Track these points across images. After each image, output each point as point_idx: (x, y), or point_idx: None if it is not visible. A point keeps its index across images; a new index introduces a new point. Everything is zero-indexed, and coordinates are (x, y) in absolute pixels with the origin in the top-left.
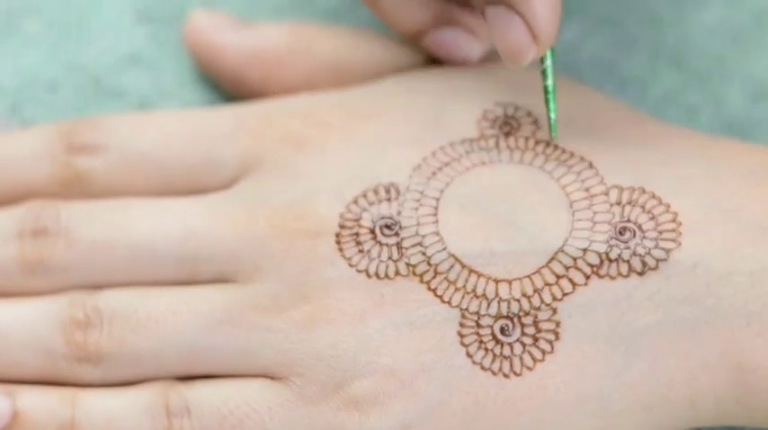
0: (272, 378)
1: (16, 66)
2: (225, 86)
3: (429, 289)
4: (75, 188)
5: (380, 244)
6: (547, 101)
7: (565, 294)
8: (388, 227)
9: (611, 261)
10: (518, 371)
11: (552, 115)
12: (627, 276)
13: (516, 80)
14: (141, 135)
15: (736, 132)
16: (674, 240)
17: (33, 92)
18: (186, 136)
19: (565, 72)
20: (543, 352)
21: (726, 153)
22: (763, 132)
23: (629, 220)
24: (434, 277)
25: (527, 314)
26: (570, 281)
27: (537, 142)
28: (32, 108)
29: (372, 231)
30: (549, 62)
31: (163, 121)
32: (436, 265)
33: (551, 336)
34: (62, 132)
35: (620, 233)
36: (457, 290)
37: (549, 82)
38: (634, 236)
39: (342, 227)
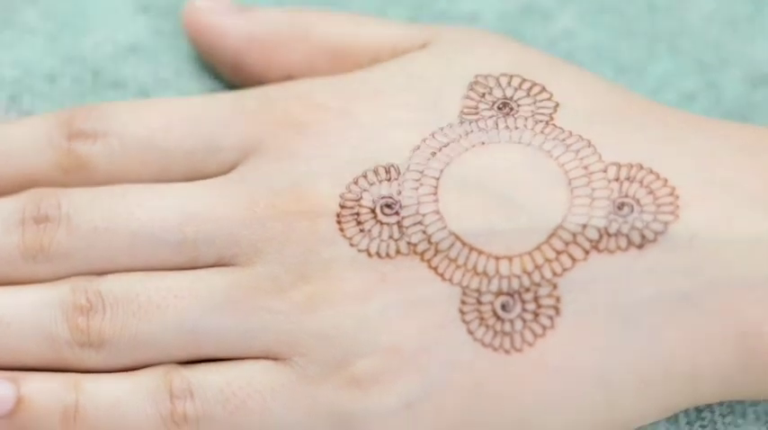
0: (274, 359)
1: (14, 56)
2: (224, 71)
3: (430, 267)
4: (76, 174)
5: (381, 223)
6: None
7: (565, 269)
8: (388, 206)
9: (609, 235)
10: (519, 346)
11: None
12: (626, 250)
13: (519, 62)
14: (140, 121)
15: (734, 118)
16: (671, 213)
17: (32, 82)
18: (185, 121)
19: (562, 58)
20: (544, 327)
21: (722, 131)
22: (764, 117)
23: (627, 196)
24: (435, 255)
25: (527, 290)
26: (570, 256)
27: (536, 122)
28: (31, 99)
29: (373, 211)
30: None
31: (162, 107)
32: (437, 244)
33: (552, 312)
34: (61, 120)
35: (619, 208)
36: (458, 267)
37: None
38: (632, 210)
39: (342, 207)
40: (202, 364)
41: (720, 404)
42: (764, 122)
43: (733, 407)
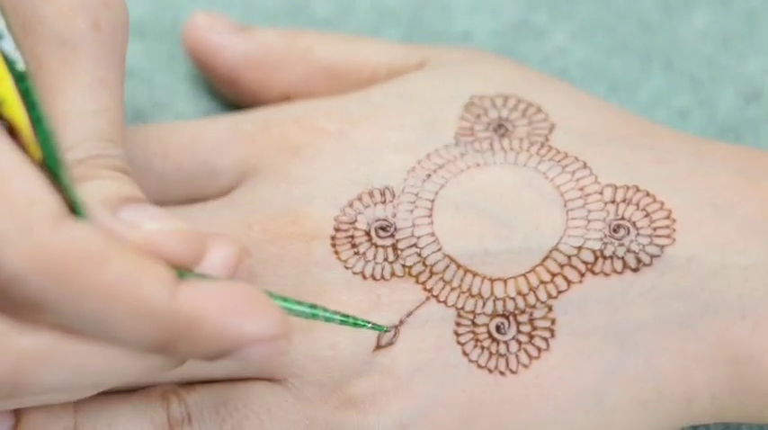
0: (270, 380)
1: None
2: (221, 89)
3: (425, 289)
4: None
5: (376, 246)
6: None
7: (560, 292)
8: (383, 229)
9: (605, 258)
10: (514, 368)
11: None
12: (621, 273)
13: (514, 83)
14: (140, 147)
15: (728, 134)
16: (668, 236)
17: None
18: (184, 146)
19: (555, 75)
20: (539, 349)
21: (718, 153)
22: (756, 134)
23: (623, 218)
24: (430, 277)
25: (522, 312)
26: (565, 278)
27: (531, 143)
28: None
29: (368, 233)
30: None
31: (161, 133)
32: (432, 266)
33: (547, 334)
34: None
35: (615, 230)
36: (452, 289)
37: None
38: (628, 233)
39: (337, 230)
40: (200, 385)
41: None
42: (757, 139)
43: (728, 424)
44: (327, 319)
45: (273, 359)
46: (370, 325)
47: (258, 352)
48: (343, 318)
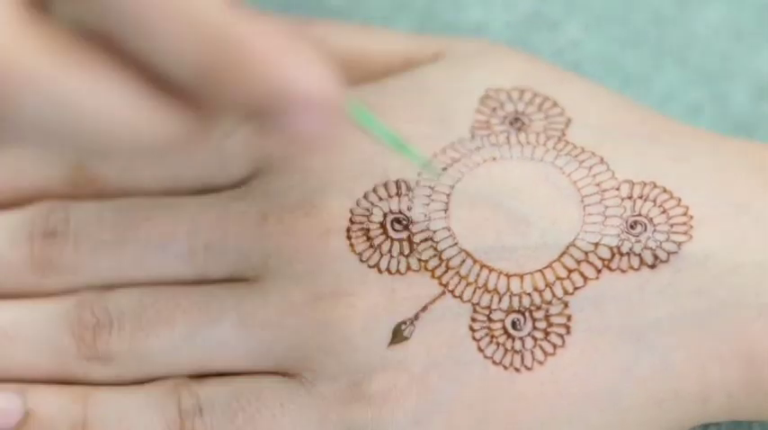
0: (283, 374)
1: None
2: None
3: (440, 284)
4: (87, 189)
5: (391, 239)
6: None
7: (576, 288)
8: (398, 221)
9: (622, 255)
10: (529, 365)
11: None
12: (638, 269)
13: (530, 77)
14: None
15: (741, 130)
16: (685, 233)
17: None
18: None
19: (568, 68)
20: (554, 346)
21: (736, 150)
22: None
23: (640, 214)
24: (446, 272)
25: (538, 308)
26: (581, 275)
27: (548, 138)
28: None
29: (383, 226)
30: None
31: None
32: (448, 260)
33: (562, 330)
34: None
35: (632, 227)
36: (468, 284)
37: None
38: (645, 229)
39: (352, 222)
40: (212, 378)
41: None
42: None
43: (739, 423)
44: (379, 133)
45: (317, 135)
46: (418, 159)
47: (303, 120)
48: (393, 141)
